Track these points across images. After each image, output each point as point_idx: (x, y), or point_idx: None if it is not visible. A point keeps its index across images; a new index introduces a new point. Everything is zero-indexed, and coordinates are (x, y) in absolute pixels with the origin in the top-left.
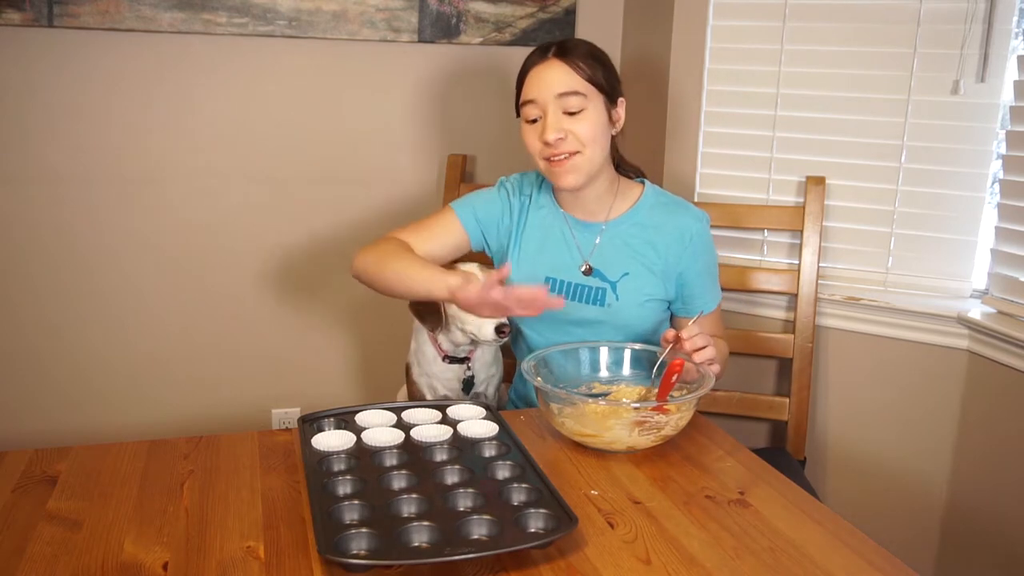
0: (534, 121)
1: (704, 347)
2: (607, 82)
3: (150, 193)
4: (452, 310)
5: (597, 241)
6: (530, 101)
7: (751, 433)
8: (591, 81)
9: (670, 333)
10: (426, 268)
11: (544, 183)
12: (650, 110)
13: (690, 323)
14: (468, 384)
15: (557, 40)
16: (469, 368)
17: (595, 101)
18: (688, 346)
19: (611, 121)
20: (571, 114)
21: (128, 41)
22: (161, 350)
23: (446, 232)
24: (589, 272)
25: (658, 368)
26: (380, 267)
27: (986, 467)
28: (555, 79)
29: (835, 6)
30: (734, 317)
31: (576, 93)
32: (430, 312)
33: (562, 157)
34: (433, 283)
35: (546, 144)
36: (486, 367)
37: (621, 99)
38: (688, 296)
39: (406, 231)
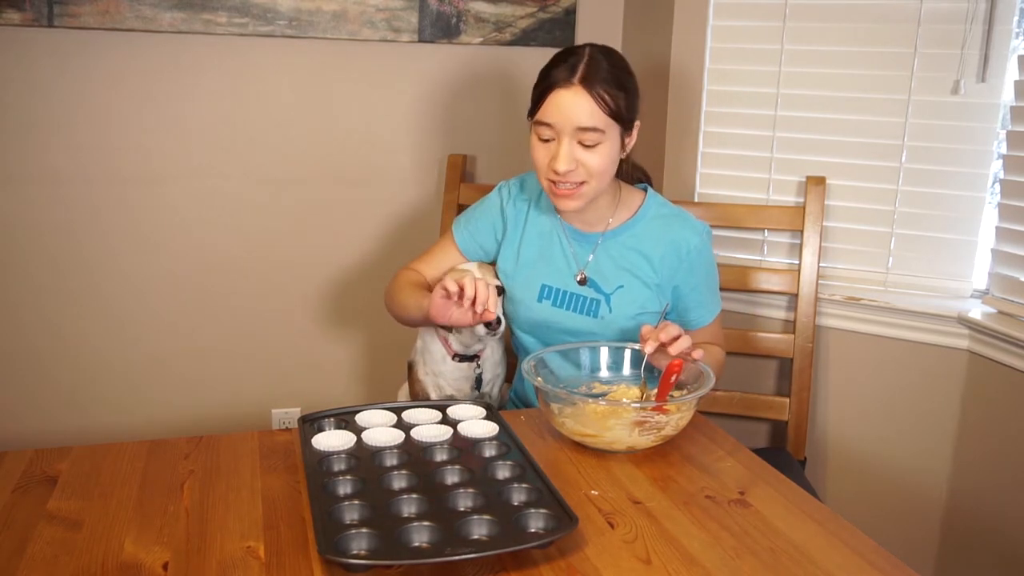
0: (545, 140)
1: (678, 336)
2: (627, 111)
3: (150, 193)
4: None
5: (593, 252)
6: (546, 124)
7: (751, 433)
8: (612, 115)
9: (645, 329)
10: (411, 297)
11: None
12: (650, 110)
13: (659, 320)
14: (478, 381)
15: (585, 57)
16: (479, 366)
17: (612, 134)
18: (663, 336)
19: (623, 147)
20: (586, 146)
21: (128, 41)
22: (161, 350)
23: (446, 256)
24: (584, 282)
25: (644, 366)
26: (393, 305)
27: (986, 467)
28: (577, 111)
29: (835, 6)
30: (734, 317)
31: (595, 129)
32: None
33: (568, 186)
34: (419, 306)
35: (553, 170)
36: (494, 366)
37: (637, 123)
38: (683, 308)
39: (419, 260)
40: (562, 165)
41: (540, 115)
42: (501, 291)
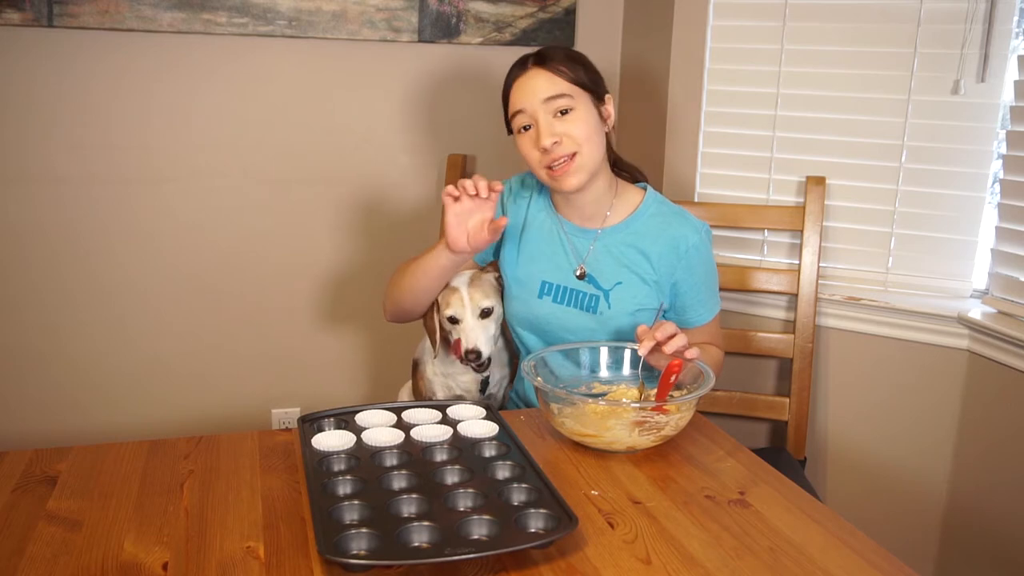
0: (527, 129)
1: (674, 335)
2: (590, 81)
3: (150, 193)
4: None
5: (591, 248)
6: (519, 111)
7: (751, 433)
8: (574, 82)
9: (640, 329)
10: (408, 268)
11: (543, 186)
12: (650, 110)
13: (655, 319)
14: (484, 384)
15: (534, 51)
16: (487, 369)
17: (582, 100)
18: (659, 334)
19: (602, 119)
20: (562, 114)
21: (128, 41)
22: (161, 350)
23: None
24: (583, 276)
25: (643, 365)
26: (397, 294)
27: (986, 467)
28: (539, 85)
29: (835, 6)
30: (734, 317)
31: (562, 95)
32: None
33: (562, 162)
34: (433, 257)
35: (544, 151)
36: (501, 367)
37: (608, 95)
38: (682, 307)
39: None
40: (546, 138)
41: (511, 107)
42: (501, 286)
